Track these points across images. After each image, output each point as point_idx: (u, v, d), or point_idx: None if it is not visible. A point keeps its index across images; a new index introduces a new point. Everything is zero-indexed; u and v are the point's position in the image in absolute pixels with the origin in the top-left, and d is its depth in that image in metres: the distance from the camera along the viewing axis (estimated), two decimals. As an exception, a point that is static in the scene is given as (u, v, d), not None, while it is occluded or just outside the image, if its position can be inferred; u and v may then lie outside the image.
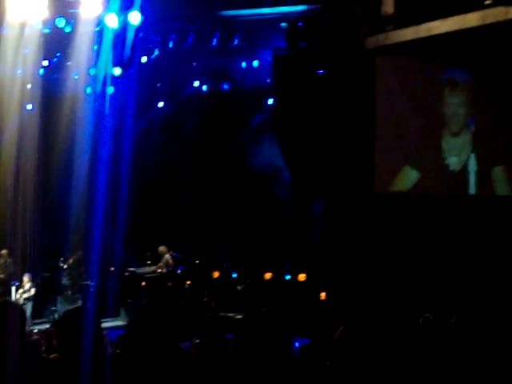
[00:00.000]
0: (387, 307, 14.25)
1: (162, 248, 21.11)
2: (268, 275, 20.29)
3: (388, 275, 14.99)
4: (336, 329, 4.20)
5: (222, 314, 20.17)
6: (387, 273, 15.01)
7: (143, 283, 20.85)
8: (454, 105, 16.04)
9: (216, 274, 21.16)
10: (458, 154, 15.92)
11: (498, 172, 15.67)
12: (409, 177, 16.08)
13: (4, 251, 20.51)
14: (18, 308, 4.19)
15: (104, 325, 5.34)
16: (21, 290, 20.14)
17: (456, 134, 16.00)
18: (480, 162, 15.69)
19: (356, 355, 3.95)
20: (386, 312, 13.80)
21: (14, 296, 20.00)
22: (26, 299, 19.84)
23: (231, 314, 19.89)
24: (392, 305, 14.52)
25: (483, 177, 15.67)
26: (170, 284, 20.59)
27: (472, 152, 15.81)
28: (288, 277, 20.16)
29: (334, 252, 16.17)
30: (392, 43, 15.59)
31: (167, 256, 20.89)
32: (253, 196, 21.09)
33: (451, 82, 16.02)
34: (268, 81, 19.63)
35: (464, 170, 15.80)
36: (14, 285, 20.29)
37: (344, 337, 4.04)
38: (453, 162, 15.95)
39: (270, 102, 21.07)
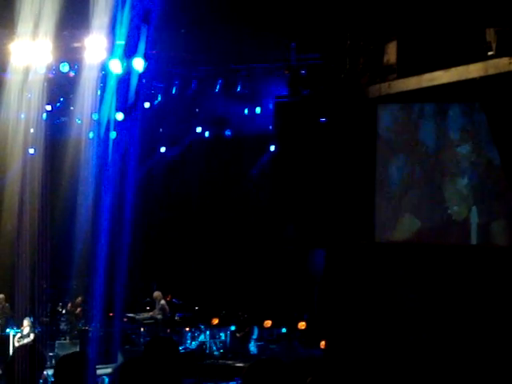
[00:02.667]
0: (387, 357, 14.11)
1: (156, 293, 21.04)
2: (267, 323, 20.17)
3: (388, 325, 14.86)
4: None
5: (221, 361, 20.05)
6: (387, 322, 14.88)
7: (142, 329, 20.72)
8: (457, 154, 16.03)
9: (215, 321, 21.02)
10: (460, 203, 15.87)
11: (499, 225, 15.60)
12: (410, 225, 16.02)
13: (1, 295, 20.41)
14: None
15: (101, 371, 5.28)
16: (19, 335, 20.00)
17: (458, 184, 15.98)
18: (481, 214, 15.63)
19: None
20: (386, 363, 13.66)
21: (11, 341, 19.89)
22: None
23: (230, 362, 19.78)
24: (392, 354, 14.38)
25: (485, 228, 15.60)
26: (168, 331, 20.45)
27: (474, 204, 15.76)
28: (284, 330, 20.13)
29: (334, 300, 16.06)
30: (394, 92, 15.63)
31: (162, 302, 20.79)
32: (254, 243, 21.05)
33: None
34: (270, 127, 19.69)
35: (467, 220, 15.73)
36: (11, 330, 20.17)
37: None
38: (455, 211, 15.90)
39: (272, 148, 21.16)
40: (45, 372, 16.72)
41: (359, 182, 16.01)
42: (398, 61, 15.52)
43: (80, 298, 21.90)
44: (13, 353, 4.73)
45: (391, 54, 15.61)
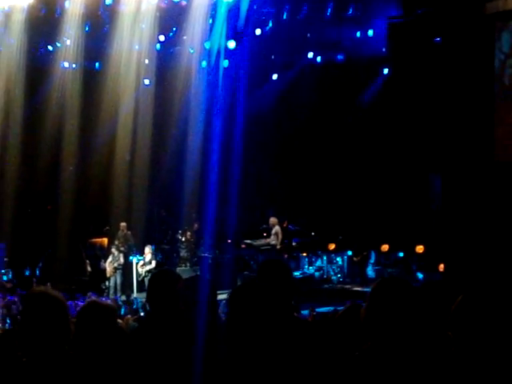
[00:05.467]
0: (508, 278, 13.85)
1: (272, 219, 21.13)
2: (385, 247, 20.09)
3: (509, 246, 14.54)
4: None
5: (339, 286, 20.17)
6: (508, 243, 14.56)
7: (259, 255, 20.99)
8: None
9: (332, 247, 21.07)
10: None
11: None
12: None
13: (123, 223, 20.92)
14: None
15: (220, 296, 5.40)
16: (141, 263, 20.55)
17: None
18: None
19: (477, 325, 3.82)
20: (507, 283, 13.41)
21: (134, 268, 20.46)
22: (147, 271, 20.24)
23: (348, 286, 19.87)
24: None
25: None
26: (285, 256, 20.63)
27: None
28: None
29: (453, 223, 15.81)
30: (513, 8, 15.04)
31: (277, 228, 20.90)
32: (370, 168, 20.88)
33: None
34: (383, 50, 19.29)
35: None
36: (134, 257, 20.71)
37: (463, 306, 3.92)
38: None
39: (386, 71, 20.80)
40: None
41: (476, 103, 15.56)
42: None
43: (196, 225, 22.25)
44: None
45: (509, -33, 14.99)
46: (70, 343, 4.17)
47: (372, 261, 20.29)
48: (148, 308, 5.37)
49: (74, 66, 20.93)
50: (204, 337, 4.71)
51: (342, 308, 5.39)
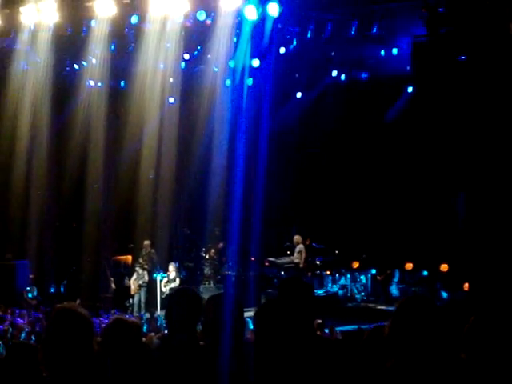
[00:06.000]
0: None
1: (296, 237, 21.15)
2: (409, 265, 20.01)
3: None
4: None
5: (363, 304, 20.10)
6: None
7: (282, 273, 20.98)
8: None
9: (356, 265, 21.02)
10: None
11: None
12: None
13: (147, 242, 21.03)
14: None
15: (245, 314, 5.39)
16: (165, 280, 20.60)
17: None
18: None
19: (491, 345, 3.82)
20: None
21: (158, 286, 20.50)
22: (171, 289, 20.31)
23: (372, 305, 19.79)
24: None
25: None
26: (309, 274, 20.62)
27: None
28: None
29: (477, 242, 15.75)
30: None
31: (301, 246, 20.90)
32: (395, 186, 20.85)
33: None
34: (407, 69, 19.28)
35: None
36: (158, 274, 20.76)
37: (475, 327, 3.93)
38: None
39: (410, 90, 20.78)
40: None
41: (502, 122, 15.52)
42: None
43: (221, 244, 22.32)
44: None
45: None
46: (94, 360, 4.18)
47: (396, 279, 20.20)
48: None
49: (99, 84, 21.10)
50: (230, 355, 4.72)
51: (366, 327, 5.40)
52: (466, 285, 17.32)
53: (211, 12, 17.80)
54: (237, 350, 4.82)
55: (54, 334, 4.10)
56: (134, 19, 18.52)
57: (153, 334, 13.57)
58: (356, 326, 13.83)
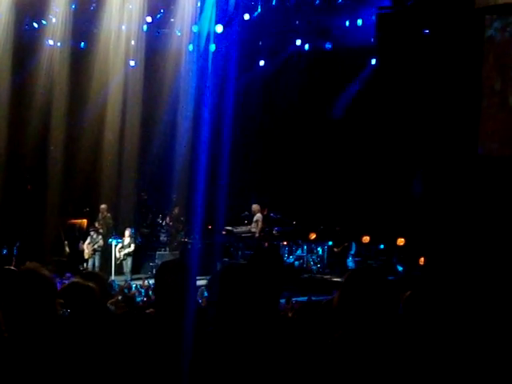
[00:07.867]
0: (488, 274, 13.83)
1: (254, 207, 21.12)
2: (366, 238, 20.06)
3: (492, 240, 14.48)
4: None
5: (318, 276, 20.11)
6: (491, 237, 14.51)
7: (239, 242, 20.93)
8: None
9: (313, 236, 21.02)
10: None
11: None
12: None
13: (103, 206, 20.83)
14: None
15: (200, 282, 5.33)
16: (120, 246, 20.45)
17: None
18: None
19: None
20: (484, 277, 13.37)
21: (113, 251, 20.35)
22: (125, 255, 20.20)
23: (327, 277, 19.83)
24: (493, 272, 14.08)
25: None
26: (266, 244, 20.56)
27: None
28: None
29: (434, 217, 15.79)
30: (503, 3, 14.99)
31: (258, 215, 20.87)
32: (353, 159, 20.84)
33: None
34: (371, 40, 19.21)
35: None
36: (113, 239, 20.59)
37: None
38: None
39: (374, 62, 20.72)
40: (146, 281, 17.15)
41: (463, 97, 15.51)
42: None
43: (176, 210, 22.15)
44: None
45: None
46: (56, 321, 4.17)
47: (352, 252, 20.23)
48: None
49: (58, 44, 20.72)
50: (183, 321, 4.63)
51: (316, 298, 5.37)
52: (422, 259, 17.42)
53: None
54: (189, 317, 4.73)
55: (17, 294, 4.06)
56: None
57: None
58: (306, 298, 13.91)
